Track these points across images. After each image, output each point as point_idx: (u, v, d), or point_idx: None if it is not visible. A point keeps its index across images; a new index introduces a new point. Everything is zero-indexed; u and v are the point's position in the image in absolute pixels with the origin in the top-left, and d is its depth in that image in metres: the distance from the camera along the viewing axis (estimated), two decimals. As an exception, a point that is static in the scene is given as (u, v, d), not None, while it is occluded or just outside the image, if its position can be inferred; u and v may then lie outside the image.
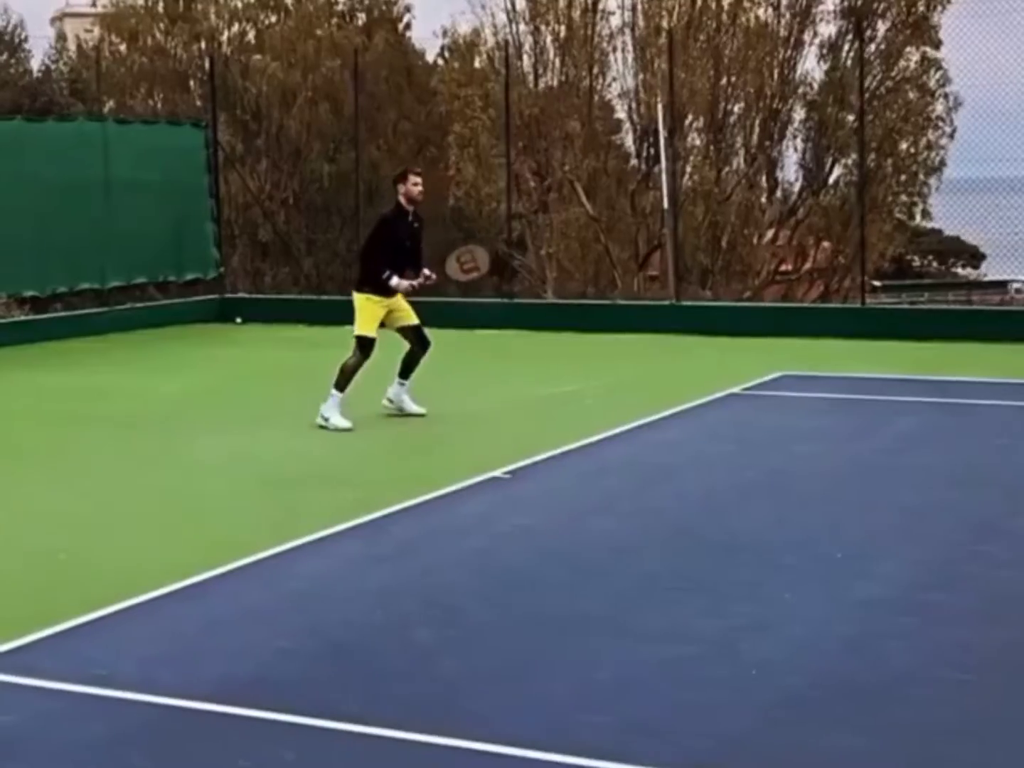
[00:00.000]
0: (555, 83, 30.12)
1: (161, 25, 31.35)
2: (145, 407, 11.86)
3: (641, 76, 29.57)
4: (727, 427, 10.27)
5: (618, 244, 29.73)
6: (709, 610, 5.80)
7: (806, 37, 29.33)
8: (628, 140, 30.65)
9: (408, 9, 33.88)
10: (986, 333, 14.93)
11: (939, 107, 28.81)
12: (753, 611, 5.75)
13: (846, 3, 29.25)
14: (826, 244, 30.37)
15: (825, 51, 29.25)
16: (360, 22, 33.46)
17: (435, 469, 8.97)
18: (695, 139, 29.62)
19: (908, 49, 29.00)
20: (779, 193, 30.44)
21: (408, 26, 33.96)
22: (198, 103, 30.41)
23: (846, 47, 29.31)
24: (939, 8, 28.55)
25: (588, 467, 8.94)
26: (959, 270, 42.84)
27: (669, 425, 10.35)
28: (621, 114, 30.37)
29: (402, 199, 10.50)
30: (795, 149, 29.77)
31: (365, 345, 10.50)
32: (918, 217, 30.34)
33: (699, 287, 27.60)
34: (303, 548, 6.96)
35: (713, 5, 29.28)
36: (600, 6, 29.75)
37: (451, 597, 6.12)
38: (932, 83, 28.88)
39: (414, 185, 10.47)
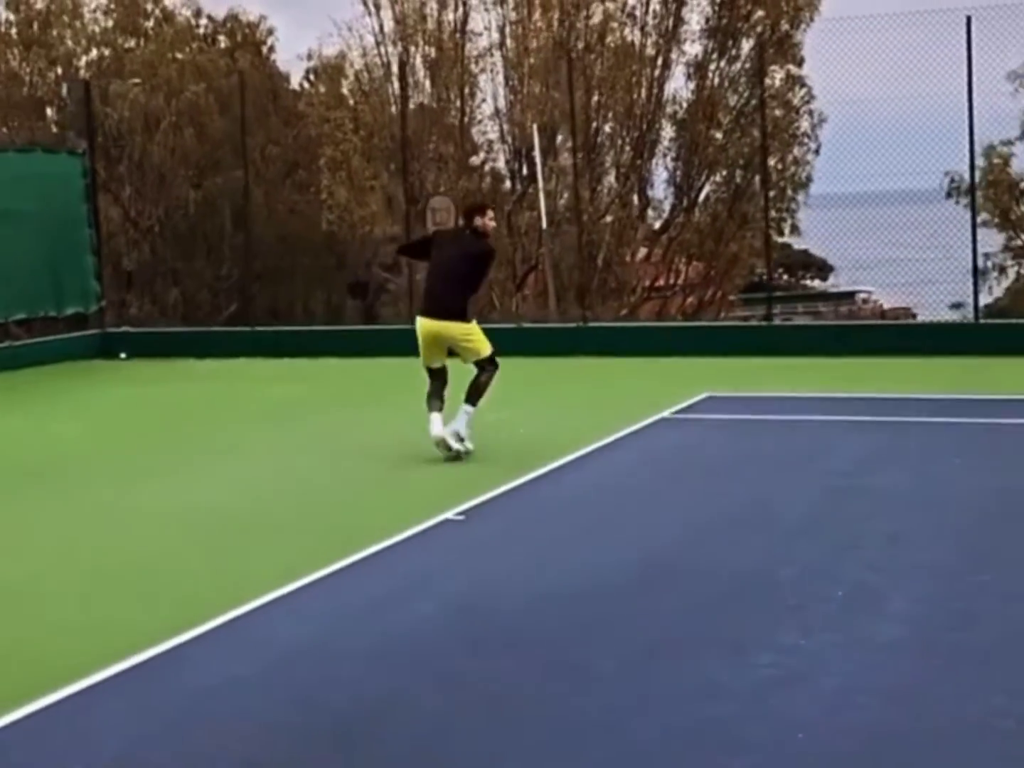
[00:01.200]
0: (426, 104, 29.88)
1: (15, 51, 30.26)
2: (49, 453, 11.21)
3: (512, 97, 29.48)
4: (676, 454, 10.00)
5: (494, 264, 29.47)
6: (729, 661, 5.49)
7: (674, 56, 29.50)
8: (501, 161, 30.48)
9: (271, 32, 33.30)
10: (892, 347, 14.98)
11: (804, 124, 29.16)
12: (776, 661, 5.45)
13: (711, 23, 29.49)
14: (697, 263, 30.59)
15: (692, 70, 29.43)
16: (223, 45, 32.79)
17: (381, 513, 8.54)
18: (569, 158, 29.56)
19: (773, 67, 29.32)
20: (651, 211, 30.60)
21: (272, 49, 33.37)
22: (54, 130, 29.44)
23: (712, 66, 29.55)
24: (802, 26, 28.93)
25: (542, 504, 8.59)
26: (808, 282, 43.74)
27: (613, 454, 10.06)
28: (492, 135, 30.16)
29: (480, 229, 10.53)
30: (666, 168, 29.94)
31: (494, 357, 10.47)
32: (787, 232, 30.65)
33: (577, 306, 27.51)
34: (269, 607, 6.49)
35: (580, 25, 29.31)
36: (469, 27, 29.62)
37: (448, 659, 5.70)
38: (797, 100, 29.20)
39: (491, 220, 10.63)
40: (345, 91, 30.15)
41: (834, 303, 40.35)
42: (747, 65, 29.44)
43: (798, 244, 32.76)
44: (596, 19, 29.25)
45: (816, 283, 44.19)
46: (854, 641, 5.66)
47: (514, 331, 17.54)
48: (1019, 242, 28.60)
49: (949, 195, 27.83)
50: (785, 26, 28.94)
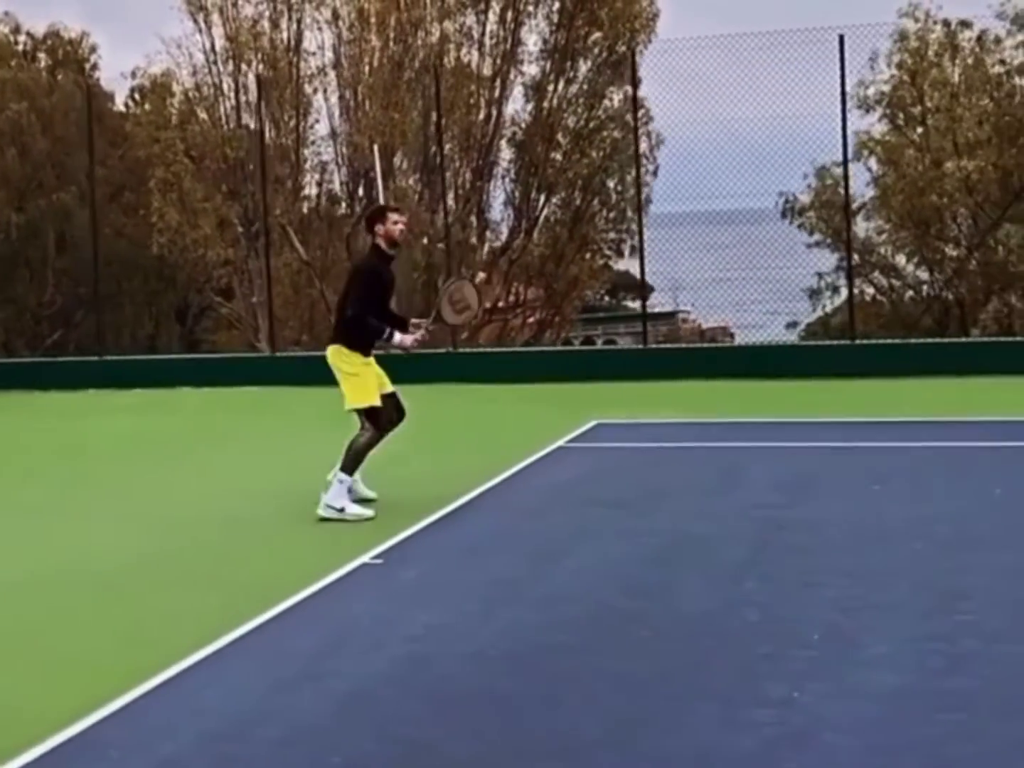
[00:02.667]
0: (260, 125, 29.13)
1: None
2: None
3: (347, 117, 28.99)
4: (583, 487, 9.54)
5: (332, 288, 29.01)
6: (723, 720, 5.03)
7: (512, 77, 29.35)
8: (336, 183, 29.89)
9: (94, 49, 32.19)
10: (766, 370, 14.86)
11: (643, 145, 29.20)
12: (773, 717, 5.01)
13: (548, 44, 29.42)
14: (536, 284, 30.46)
15: (531, 91, 29.31)
16: (43, 63, 31.56)
17: (291, 559, 7.90)
18: (407, 180, 29.19)
19: (611, 88, 29.37)
20: (491, 233, 30.39)
21: (95, 67, 32.26)
22: None
23: (551, 87, 29.45)
24: (639, 48, 29.04)
25: (461, 545, 8.04)
26: (629, 303, 44.17)
27: (518, 487, 9.59)
28: (326, 156, 29.54)
29: (381, 242, 8.97)
30: (504, 190, 29.78)
31: (375, 416, 8.93)
32: (627, 253, 30.69)
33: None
34: (190, 673, 5.80)
35: (418, 44, 28.95)
36: (303, 46, 29.05)
37: (407, 728, 5.12)
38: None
39: (394, 224, 8.97)
40: (175, 110, 29.19)
41: (655, 323, 40.77)
42: (585, 87, 29.47)
43: (619, 265, 32.82)
44: (434, 38, 28.96)
45: (636, 304, 44.55)
46: (848, 692, 5.26)
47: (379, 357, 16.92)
48: (853, 261, 29.07)
49: (784, 215, 28.25)
50: (622, 48, 28.99)
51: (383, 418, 8.99)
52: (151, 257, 28.37)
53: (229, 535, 8.67)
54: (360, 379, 8.97)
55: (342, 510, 8.74)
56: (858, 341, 16.09)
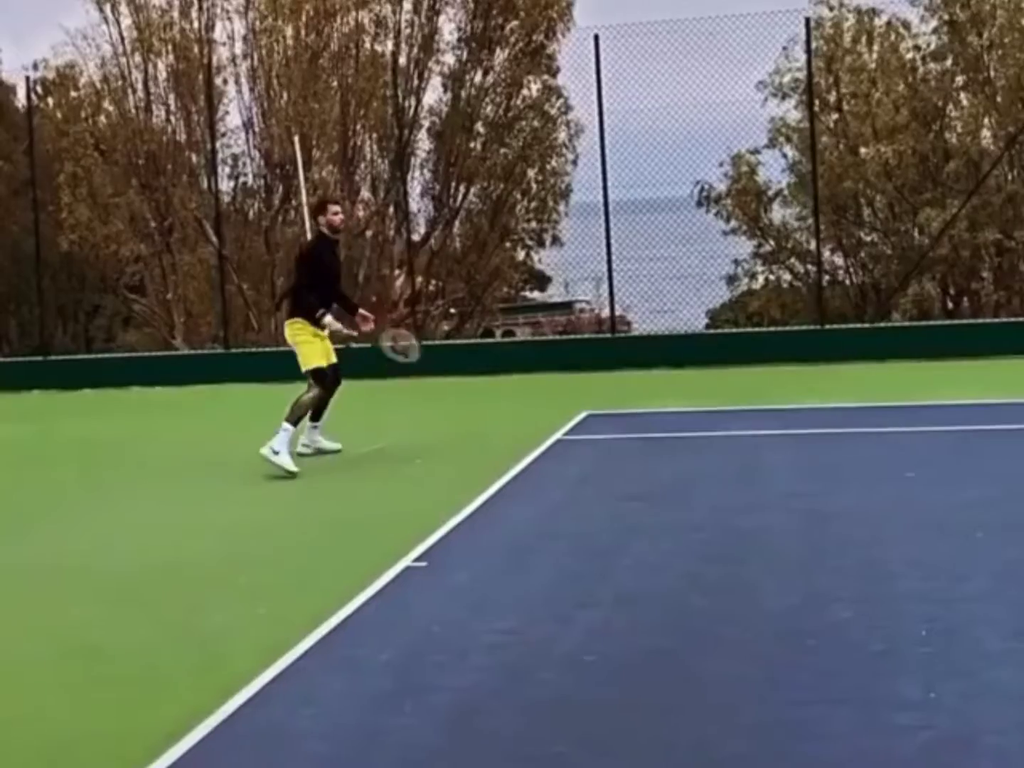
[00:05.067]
0: (171, 117, 28.53)
1: None
2: None
3: (262, 108, 28.44)
4: (602, 480, 9.30)
5: (250, 283, 28.48)
6: (867, 724, 4.78)
7: (431, 66, 28.98)
8: (250, 175, 29.25)
9: (-7, 42, 31.17)
10: (733, 357, 14.72)
11: (562, 135, 29.04)
12: (920, 720, 4.78)
13: (465, 33, 29.11)
14: (459, 275, 30.15)
15: (449, 81, 28.98)
16: (-59, 57, 30.50)
17: (330, 562, 7.51)
18: (324, 172, 28.68)
19: (529, 77, 29.13)
20: (410, 224, 29.93)
21: (-5, 61, 31.26)
22: None
23: (468, 76, 29.14)
24: (556, 37, 28.86)
25: (503, 544, 7.71)
26: (528, 293, 44.12)
27: (534, 483, 9.30)
28: (237, 148, 28.91)
29: (325, 229, 10.49)
30: (424, 180, 29.38)
31: (319, 377, 10.40)
32: (548, 243, 30.45)
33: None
34: (277, 688, 5.41)
35: (333, 34, 28.48)
36: (214, 36, 28.42)
37: (535, 745, 4.77)
38: (554, 111, 29.07)
39: (335, 215, 10.49)
40: (83, 103, 28.37)
41: (553, 313, 40.90)
42: (503, 76, 29.18)
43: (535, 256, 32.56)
44: (348, 27, 28.51)
45: (536, 294, 44.71)
46: (988, 690, 5.03)
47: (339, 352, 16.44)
48: (768, 248, 29.15)
49: (700, 204, 28.19)
50: (540, 37, 28.78)
51: (326, 380, 10.50)
52: (60, 254, 27.58)
53: (256, 542, 8.22)
54: (309, 346, 10.42)
55: (277, 453, 9.92)
56: (827, 326, 16.03)
